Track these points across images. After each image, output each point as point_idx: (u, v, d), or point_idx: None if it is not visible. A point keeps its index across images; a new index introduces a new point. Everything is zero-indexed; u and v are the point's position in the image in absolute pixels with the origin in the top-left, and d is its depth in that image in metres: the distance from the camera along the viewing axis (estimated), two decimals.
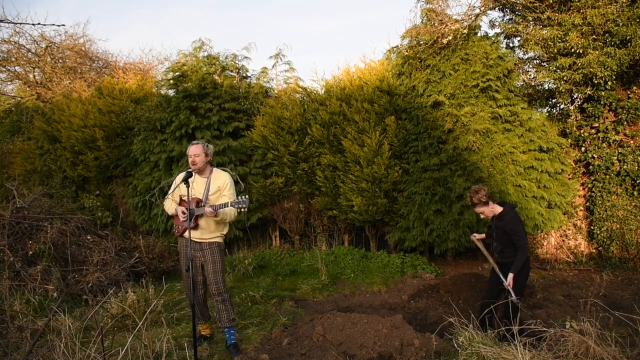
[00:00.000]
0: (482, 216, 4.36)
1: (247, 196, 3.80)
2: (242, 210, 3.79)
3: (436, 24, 6.97)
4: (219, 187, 3.97)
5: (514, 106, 6.73)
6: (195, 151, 3.90)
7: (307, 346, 3.88)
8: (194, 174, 3.91)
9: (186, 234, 3.86)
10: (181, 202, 4.06)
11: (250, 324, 4.75)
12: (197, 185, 3.98)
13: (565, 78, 6.62)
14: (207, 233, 3.97)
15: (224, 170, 4.13)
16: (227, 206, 3.77)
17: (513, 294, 4.04)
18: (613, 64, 6.19)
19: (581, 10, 6.35)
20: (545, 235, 7.48)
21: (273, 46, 32.88)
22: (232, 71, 9.09)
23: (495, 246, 4.36)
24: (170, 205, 4.14)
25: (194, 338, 3.44)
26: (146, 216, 8.49)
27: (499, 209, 4.26)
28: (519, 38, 7.46)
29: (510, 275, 4.11)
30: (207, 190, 3.96)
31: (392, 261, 6.94)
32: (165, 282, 6.37)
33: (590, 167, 7.16)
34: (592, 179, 7.19)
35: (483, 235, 4.62)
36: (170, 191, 4.16)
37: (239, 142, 8.13)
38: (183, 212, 3.91)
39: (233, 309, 4.09)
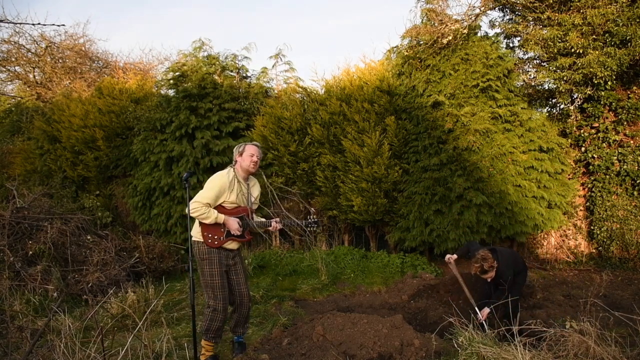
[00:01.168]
0: (489, 280, 4.23)
1: (317, 219, 3.70)
2: (311, 230, 3.70)
3: (436, 24, 6.97)
4: (257, 194, 3.80)
5: (514, 106, 6.73)
6: (259, 153, 3.64)
7: (307, 346, 3.88)
8: (239, 177, 3.63)
9: (226, 244, 3.60)
10: (218, 208, 3.56)
11: (250, 324, 4.73)
12: (241, 191, 3.65)
13: (565, 78, 6.62)
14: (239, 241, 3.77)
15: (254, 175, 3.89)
16: (302, 225, 3.66)
17: (486, 328, 3.87)
18: (613, 64, 6.19)
19: (581, 10, 6.35)
20: (545, 235, 7.48)
21: (273, 46, 32.92)
22: (232, 71, 9.09)
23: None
24: (211, 212, 3.45)
25: (194, 338, 3.44)
26: (146, 216, 8.50)
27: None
28: (519, 38, 7.46)
29: (486, 310, 4.11)
30: (250, 199, 3.71)
31: (392, 261, 6.94)
32: (165, 282, 6.37)
33: (590, 167, 7.16)
34: (592, 179, 7.19)
35: (455, 256, 4.57)
36: (210, 195, 3.48)
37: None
38: (239, 224, 3.57)
39: None
